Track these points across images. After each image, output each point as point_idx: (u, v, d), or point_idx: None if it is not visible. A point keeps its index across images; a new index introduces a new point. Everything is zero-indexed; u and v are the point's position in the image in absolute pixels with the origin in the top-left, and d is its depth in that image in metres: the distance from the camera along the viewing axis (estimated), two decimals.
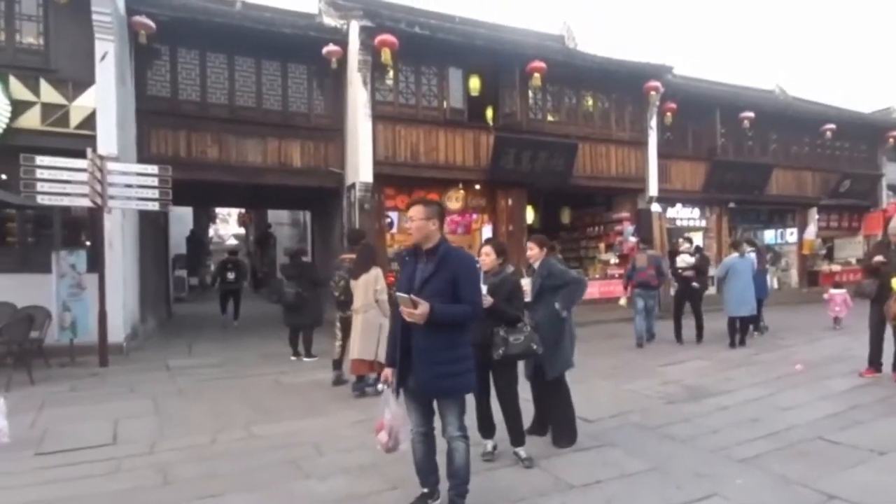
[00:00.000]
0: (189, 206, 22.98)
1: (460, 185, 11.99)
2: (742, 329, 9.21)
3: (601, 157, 13.42)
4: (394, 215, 12.04)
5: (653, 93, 13.41)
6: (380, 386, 3.44)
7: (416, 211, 3.27)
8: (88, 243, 9.09)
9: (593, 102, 13.41)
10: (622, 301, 10.35)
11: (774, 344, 9.28)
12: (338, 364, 7.00)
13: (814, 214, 17.88)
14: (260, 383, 7.23)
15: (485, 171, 11.85)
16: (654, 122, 14.02)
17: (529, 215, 13.29)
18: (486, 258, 4.21)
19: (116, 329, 8.70)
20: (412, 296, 3.04)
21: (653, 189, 14.15)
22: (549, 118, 12.83)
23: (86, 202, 8.00)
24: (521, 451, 4.22)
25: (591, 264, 15.09)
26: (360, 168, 10.66)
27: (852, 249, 19.69)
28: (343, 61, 10.82)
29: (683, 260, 9.77)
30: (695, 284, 9.53)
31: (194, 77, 10.48)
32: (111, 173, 8.18)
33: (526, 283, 4.61)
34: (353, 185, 10.84)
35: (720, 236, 16.00)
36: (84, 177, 7.87)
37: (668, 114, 14.05)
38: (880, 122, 19.10)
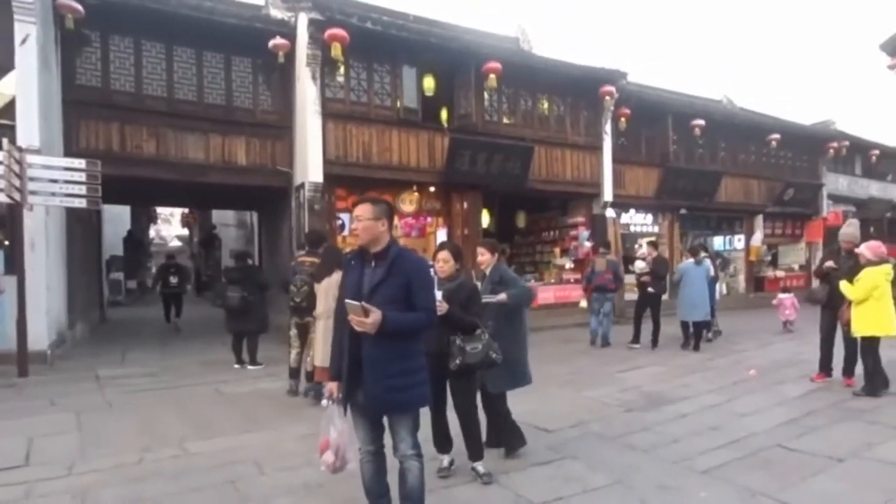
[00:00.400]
0: (125, 204, 21.93)
1: (414, 188, 11.77)
2: (696, 334, 9.38)
3: (557, 161, 13.45)
4: (345, 217, 11.68)
5: (607, 98, 13.55)
6: (324, 402, 3.15)
7: (364, 210, 3.00)
8: (7, 242, 8.40)
9: (549, 105, 13.45)
10: (583, 303, 10.48)
11: (728, 349, 9.42)
12: (294, 373, 6.67)
13: (760, 222, 18.51)
14: (198, 394, 6.80)
15: (439, 173, 11.65)
16: (608, 127, 14.16)
17: (485, 219, 13.19)
18: (445, 265, 3.99)
19: (39, 336, 8.04)
20: (363, 303, 2.79)
21: (608, 194, 14.29)
22: (505, 120, 12.77)
23: (2, 197, 7.36)
24: (480, 467, 4.01)
25: (547, 269, 15.13)
26: (310, 167, 10.26)
27: (795, 256, 20.54)
28: (291, 55, 10.41)
29: (637, 265, 9.90)
30: (650, 290, 9.65)
31: (128, 66, 9.85)
32: (32, 167, 7.58)
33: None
34: (302, 185, 10.44)
35: (672, 242, 16.31)
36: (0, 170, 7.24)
37: (623, 119, 14.22)
38: (820, 134, 19.98)
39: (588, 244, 14.08)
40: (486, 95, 12.29)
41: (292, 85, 10.86)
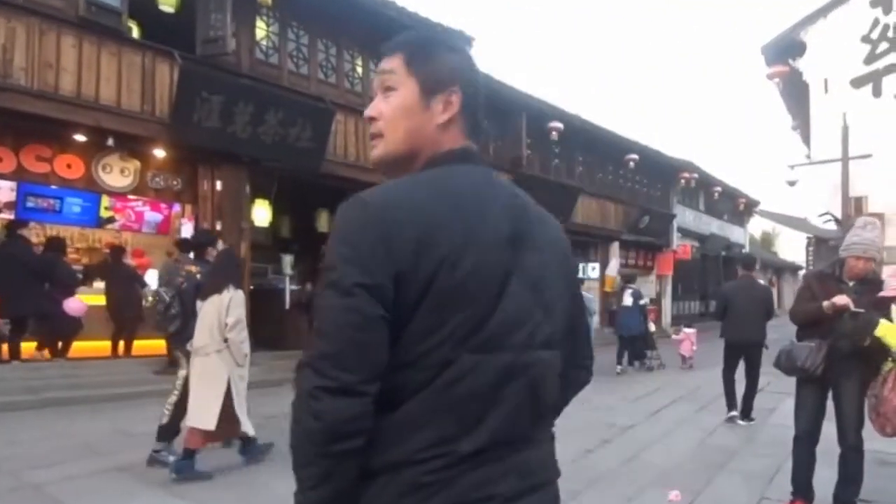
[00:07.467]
0: None
1: (110, 141, 6.52)
2: None
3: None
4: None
5: None
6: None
7: None
8: None
9: (364, 62, 9.19)
10: None
11: (613, 427, 5.36)
12: (165, 432, 3.76)
13: (616, 249, 15.65)
14: None
15: (164, 127, 6.74)
16: None
17: (261, 213, 8.41)
18: None
19: None
20: None
21: None
22: (292, 67, 8.24)
23: None
24: None
25: None
26: None
27: (647, 289, 18.08)
28: None
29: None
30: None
31: None
32: None
33: None
34: None
35: None
36: None
37: None
38: (675, 162, 17.85)
39: None
40: (259, 23, 7.73)
41: None
